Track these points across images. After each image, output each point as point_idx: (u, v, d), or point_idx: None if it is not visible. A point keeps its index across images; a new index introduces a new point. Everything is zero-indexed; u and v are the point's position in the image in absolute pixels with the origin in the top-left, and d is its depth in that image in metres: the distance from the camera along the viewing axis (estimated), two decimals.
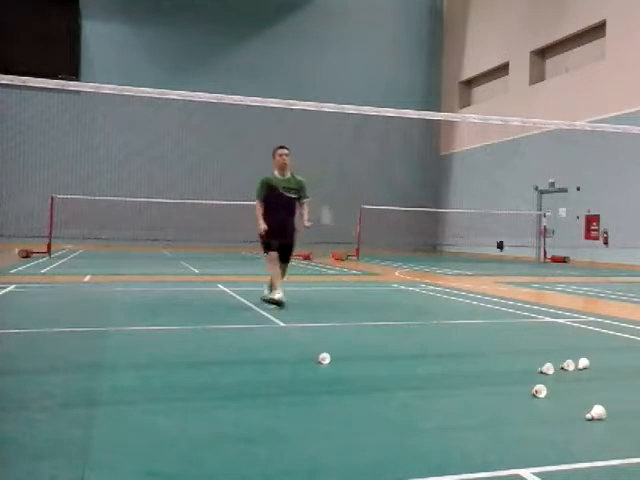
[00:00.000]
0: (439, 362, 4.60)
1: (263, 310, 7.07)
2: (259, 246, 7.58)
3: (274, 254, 7.38)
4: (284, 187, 7.52)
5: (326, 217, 8.38)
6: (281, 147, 7.65)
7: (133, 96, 6.36)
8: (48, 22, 24.59)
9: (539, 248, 22.41)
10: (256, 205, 7.52)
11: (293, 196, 7.57)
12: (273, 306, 7.20)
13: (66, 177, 24.68)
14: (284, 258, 7.57)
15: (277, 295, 7.25)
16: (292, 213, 7.62)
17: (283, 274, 7.67)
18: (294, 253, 7.85)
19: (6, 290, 8.60)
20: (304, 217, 7.57)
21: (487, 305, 8.15)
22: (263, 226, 7.29)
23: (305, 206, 7.66)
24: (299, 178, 7.69)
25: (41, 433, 2.79)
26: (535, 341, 5.67)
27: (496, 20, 25.72)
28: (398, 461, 2.53)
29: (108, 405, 3.27)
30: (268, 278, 7.93)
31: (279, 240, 7.42)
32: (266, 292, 7.50)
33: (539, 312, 7.49)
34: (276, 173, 7.63)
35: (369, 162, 28.05)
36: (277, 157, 7.61)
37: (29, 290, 8.91)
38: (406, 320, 6.83)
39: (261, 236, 7.42)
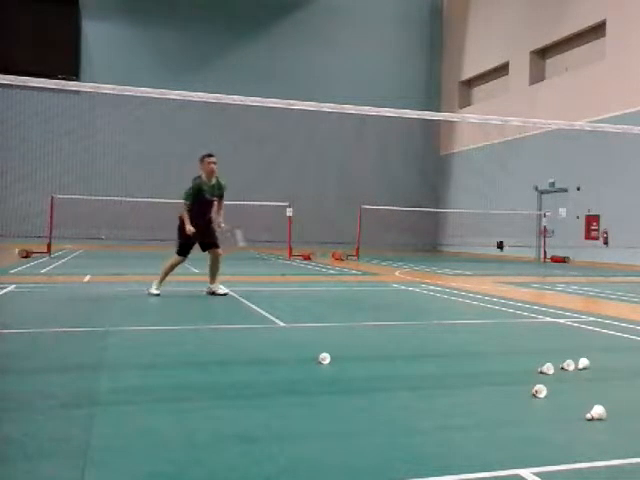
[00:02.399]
0: (439, 362, 4.60)
1: (263, 310, 7.07)
2: (174, 244, 8.52)
3: (181, 259, 8.41)
4: (210, 193, 8.35)
5: (240, 240, 8.98)
6: (209, 155, 8.42)
7: (133, 96, 6.35)
8: (48, 22, 24.60)
9: (539, 248, 22.41)
10: (184, 208, 8.27)
11: (215, 199, 8.42)
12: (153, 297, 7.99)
13: (66, 177, 24.69)
14: (207, 247, 8.47)
15: (156, 291, 8.19)
16: (210, 212, 8.44)
17: (214, 266, 8.49)
18: (219, 247, 8.57)
19: (6, 290, 8.60)
20: (220, 217, 8.45)
21: (487, 305, 8.15)
22: (190, 227, 8.08)
23: (223, 206, 8.52)
24: (222, 182, 8.50)
25: (41, 433, 2.79)
26: (535, 341, 5.67)
27: (496, 20, 25.72)
28: (398, 461, 2.53)
29: (108, 405, 3.27)
30: (267, 278, 7.95)
31: (202, 239, 8.34)
32: (154, 287, 8.25)
33: (539, 312, 7.49)
34: (204, 178, 8.34)
35: (369, 162, 28.06)
36: (206, 165, 8.35)
37: (29, 290, 8.91)
38: (406, 320, 6.83)
39: (183, 237, 8.25)
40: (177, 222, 8.38)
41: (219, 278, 8.62)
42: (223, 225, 8.43)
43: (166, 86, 7.49)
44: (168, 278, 8.45)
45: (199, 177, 8.35)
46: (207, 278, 8.66)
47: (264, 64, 26.81)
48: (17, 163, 24.40)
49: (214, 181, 8.37)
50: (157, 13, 26.07)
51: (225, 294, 8.38)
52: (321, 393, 3.62)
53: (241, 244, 9.16)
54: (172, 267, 8.44)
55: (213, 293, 8.44)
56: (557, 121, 9.81)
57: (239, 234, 9.13)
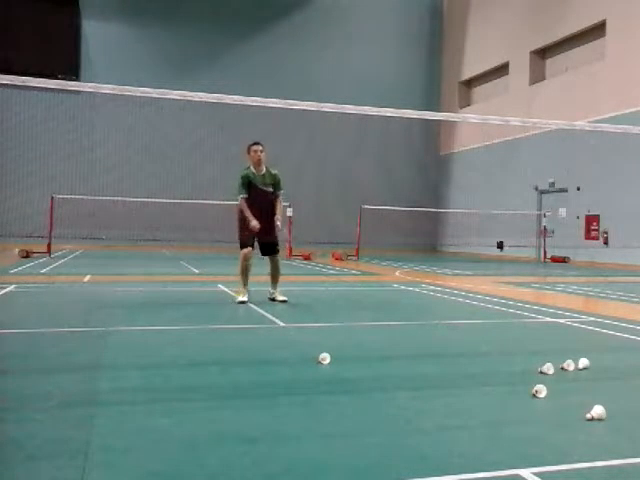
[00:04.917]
0: (439, 362, 4.60)
1: (263, 310, 7.07)
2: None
3: (249, 249, 7.65)
4: (262, 182, 7.73)
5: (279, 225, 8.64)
6: (255, 143, 7.85)
7: (133, 96, 6.35)
8: (48, 22, 24.59)
9: (539, 248, 22.41)
10: (241, 202, 7.65)
11: (270, 190, 7.78)
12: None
13: (66, 177, 24.68)
14: (269, 252, 7.83)
15: (243, 297, 7.58)
16: (270, 207, 7.75)
17: (276, 272, 7.87)
18: (278, 252, 7.99)
19: (6, 290, 8.60)
20: (277, 214, 7.70)
21: (487, 305, 8.14)
22: (255, 222, 7.43)
23: (279, 200, 7.85)
24: (274, 172, 7.89)
25: (41, 433, 2.79)
26: (535, 341, 5.67)
27: (496, 20, 25.71)
28: (398, 461, 2.53)
29: (108, 405, 3.27)
30: (267, 278, 7.94)
31: (263, 239, 7.67)
32: (240, 295, 7.66)
33: (539, 312, 7.49)
34: (252, 169, 7.78)
35: (369, 162, 28.06)
36: (252, 153, 7.80)
37: (29, 290, 8.90)
38: (406, 320, 6.83)
39: (243, 234, 7.63)
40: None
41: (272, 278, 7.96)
42: (279, 224, 7.69)
43: (166, 86, 7.50)
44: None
45: (247, 168, 7.82)
46: (207, 278, 8.63)
47: (264, 64, 26.80)
48: (17, 163, 24.38)
49: (264, 170, 7.81)
50: (157, 13, 26.06)
51: (285, 301, 7.75)
52: (321, 393, 3.62)
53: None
54: (245, 264, 7.68)
55: (274, 299, 7.85)
56: (557, 121, 9.81)
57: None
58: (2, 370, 4.07)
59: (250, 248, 7.68)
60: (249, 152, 7.82)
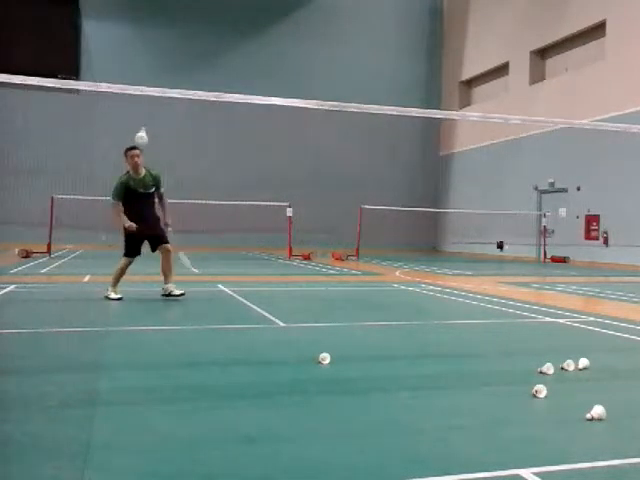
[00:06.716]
0: (439, 362, 4.60)
1: (263, 310, 7.07)
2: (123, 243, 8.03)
3: (130, 260, 7.95)
4: (142, 185, 7.93)
5: (185, 262, 8.77)
6: (132, 148, 7.98)
7: (133, 95, 6.34)
8: (48, 22, 24.58)
9: (539, 248, 22.41)
10: (114, 206, 7.91)
11: (152, 190, 8.01)
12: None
13: (66, 177, 24.67)
14: (156, 243, 8.04)
15: (116, 295, 7.75)
16: (152, 206, 8.07)
17: (166, 267, 8.03)
18: (167, 243, 8.13)
19: (6, 290, 8.60)
20: (165, 214, 8.08)
21: (487, 305, 8.14)
22: (129, 223, 7.73)
23: (165, 200, 8.15)
24: (154, 172, 8.10)
25: (41, 433, 2.79)
26: (535, 341, 5.67)
27: (496, 20, 25.71)
28: (398, 461, 2.53)
29: (108, 405, 3.27)
30: (268, 278, 7.93)
31: (149, 233, 7.89)
32: (111, 292, 7.83)
33: (539, 312, 7.49)
34: (131, 174, 7.94)
35: (369, 162, 28.05)
36: (129, 159, 7.93)
37: (29, 290, 8.90)
38: (406, 320, 6.83)
39: (127, 235, 7.87)
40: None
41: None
42: (169, 223, 8.04)
43: (166, 85, 7.48)
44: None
45: (126, 173, 7.93)
46: (207, 278, 8.62)
47: (265, 64, 26.79)
48: (17, 163, 24.37)
49: (143, 173, 7.92)
50: (157, 12, 26.05)
51: (182, 294, 7.92)
52: (321, 393, 3.62)
53: (186, 265, 8.81)
54: (122, 271, 7.94)
55: (169, 294, 7.94)
56: (557, 120, 9.80)
57: (184, 258, 8.79)
58: (2, 370, 4.07)
59: (131, 259, 7.97)
60: (126, 157, 7.95)
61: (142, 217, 7.84)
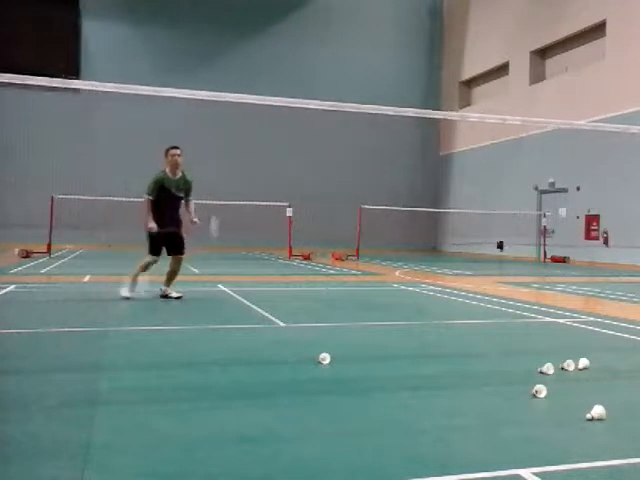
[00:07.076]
0: (439, 362, 4.60)
1: (263, 310, 7.07)
2: (145, 243, 7.96)
3: (155, 259, 7.84)
4: (175, 187, 7.88)
5: (214, 228, 8.74)
6: (174, 147, 7.94)
7: (133, 95, 6.35)
8: (48, 22, 24.58)
9: (539, 248, 22.40)
10: (145, 202, 7.81)
11: (181, 195, 7.97)
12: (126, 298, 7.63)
13: (66, 177, 24.65)
14: (173, 250, 8.01)
15: (128, 293, 7.70)
16: (177, 210, 8.03)
17: (173, 273, 8.04)
18: (183, 254, 8.15)
19: (6, 290, 8.60)
20: (192, 214, 8.00)
21: (487, 305, 8.14)
22: (152, 224, 7.67)
23: (191, 204, 8.08)
24: (188, 178, 8.06)
25: (41, 433, 2.79)
26: (535, 341, 5.67)
27: (496, 20, 25.70)
28: (398, 461, 2.53)
29: (108, 405, 3.27)
30: (268, 278, 7.93)
31: (167, 229, 7.82)
32: (125, 289, 7.79)
33: (539, 312, 7.49)
34: (168, 173, 7.89)
35: (369, 162, 28.05)
36: (169, 157, 7.88)
37: (29, 290, 8.90)
38: (406, 320, 6.83)
39: (150, 234, 7.80)
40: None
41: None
42: (197, 220, 7.93)
43: (166, 85, 7.48)
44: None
45: (163, 171, 7.90)
46: (207, 278, 8.62)
47: (265, 64, 26.79)
48: (17, 163, 24.36)
49: (179, 175, 7.93)
50: (157, 12, 26.04)
51: (179, 297, 7.91)
52: (321, 393, 3.62)
53: (214, 234, 8.86)
54: (144, 268, 7.88)
55: (166, 296, 7.95)
56: (557, 121, 9.80)
57: (214, 222, 8.83)
58: (2, 370, 4.07)
59: (156, 257, 7.87)
60: (167, 155, 7.90)
61: (165, 220, 7.79)
